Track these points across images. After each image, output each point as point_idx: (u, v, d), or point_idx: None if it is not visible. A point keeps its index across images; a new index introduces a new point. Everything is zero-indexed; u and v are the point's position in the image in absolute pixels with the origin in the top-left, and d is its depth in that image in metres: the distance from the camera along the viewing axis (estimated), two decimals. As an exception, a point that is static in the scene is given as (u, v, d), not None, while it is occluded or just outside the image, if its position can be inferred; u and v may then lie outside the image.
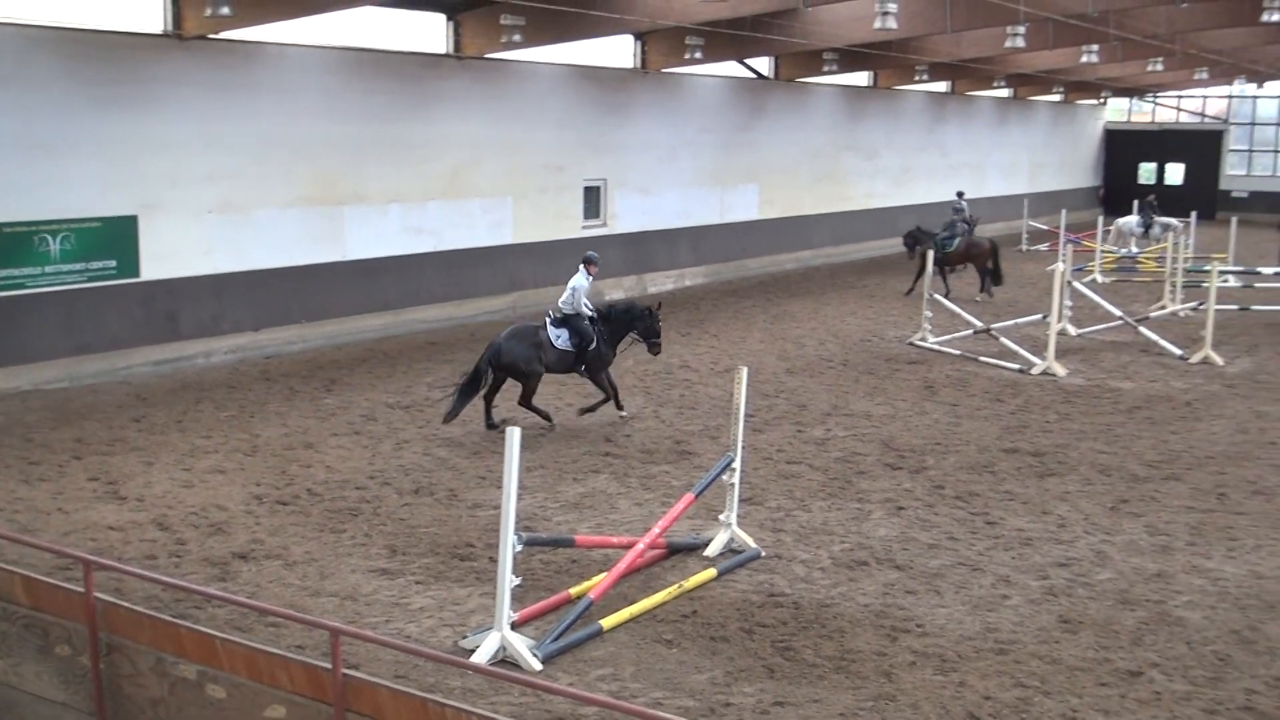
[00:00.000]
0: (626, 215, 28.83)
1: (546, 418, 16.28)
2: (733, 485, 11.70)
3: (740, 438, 11.74)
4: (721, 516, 11.79)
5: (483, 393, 15.98)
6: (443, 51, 24.22)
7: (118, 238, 19.05)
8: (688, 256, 31.00)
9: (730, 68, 32.05)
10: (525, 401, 16.15)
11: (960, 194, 37.68)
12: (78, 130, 18.36)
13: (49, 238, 18.21)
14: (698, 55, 27.70)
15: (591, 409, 16.61)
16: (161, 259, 19.66)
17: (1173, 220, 36.82)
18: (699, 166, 31.06)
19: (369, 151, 22.69)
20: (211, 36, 19.91)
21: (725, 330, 24.29)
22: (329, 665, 6.58)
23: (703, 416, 17.14)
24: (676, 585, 10.70)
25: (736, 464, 11.68)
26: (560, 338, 16.11)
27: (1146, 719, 8.60)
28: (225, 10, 18.16)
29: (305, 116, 21.56)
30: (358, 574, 11.11)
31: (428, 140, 23.76)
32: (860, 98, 37.85)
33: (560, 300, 16.48)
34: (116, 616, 7.39)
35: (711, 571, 11.08)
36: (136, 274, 19.39)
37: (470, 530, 12.30)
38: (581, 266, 16.56)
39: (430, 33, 24.18)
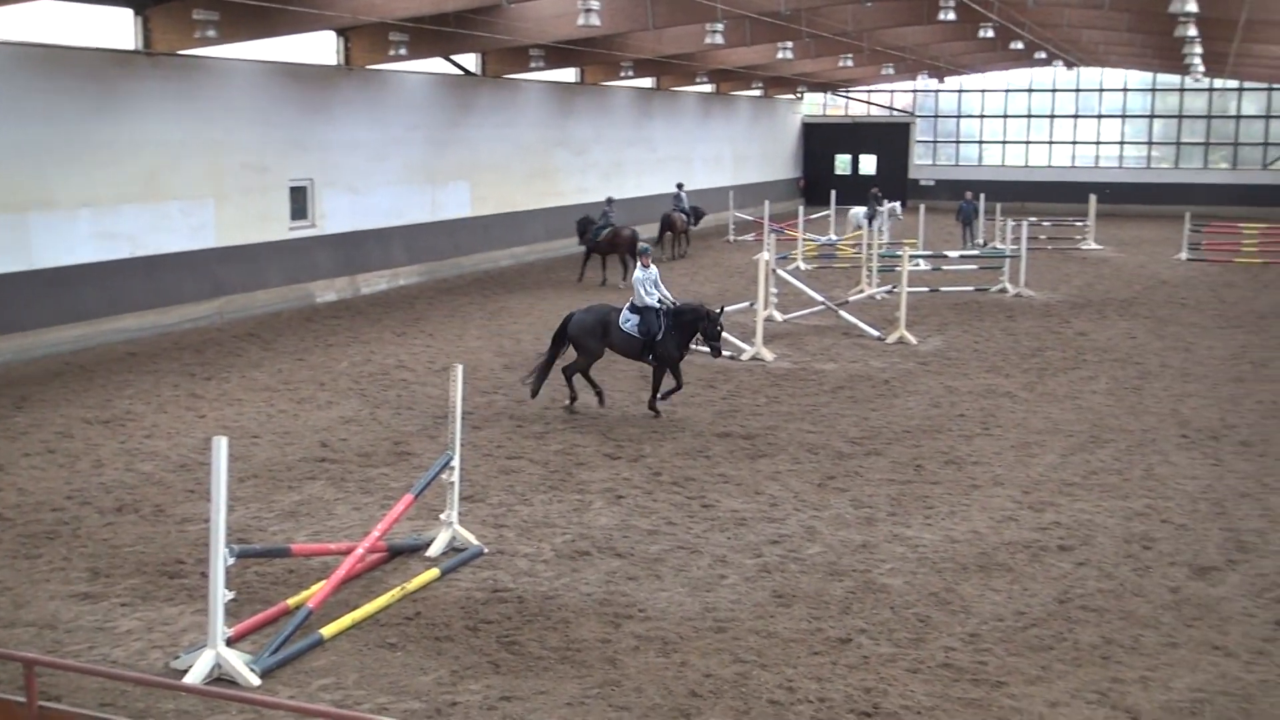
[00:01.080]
0: (336, 215, 28.24)
1: (594, 393, 17.31)
2: (453, 484, 11.64)
3: (459, 436, 11.69)
4: (442, 516, 11.72)
5: (560, 365, 17.25)
6: (131, 48, 23.11)
7: None
8: (401, 255, 30.62)
9: (437, 64, 31.83)
10: (569, 370, 17.16)
11: (680, 185, 38.80)
12: None
13: None
14: (402, 52, 27.38)
15: (664, 396, 17.15)
16: None
17: (896, 205, 38.88)
18: (409, 164, 30.73)
19: (55, 155, 21.42)
20: None
21: (442, 328, 24.12)
22: (23, 699, 6.21)
23: (420, 416, 16.98)
24: (399, 588, 10.57)
25: (456, 462, 11.62)
26: (629, 322, 16.94)
27: (856, 683, 9.03)
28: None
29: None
30: (57, 600, 10.49)
31: (119, 141, 22.62)
32: (569, 94, 38.24)
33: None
34: None
35: (434, 571, 11.00)
36: None
37: (179, 546, 11.80)
38: (637, 261, 17.92)
39: (117, 29, 23.04)
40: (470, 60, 33.22)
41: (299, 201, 27.31)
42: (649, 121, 43.56)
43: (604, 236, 30.23)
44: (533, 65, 32.90)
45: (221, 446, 8.79)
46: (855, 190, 55.26)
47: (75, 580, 10.94)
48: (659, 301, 17.18)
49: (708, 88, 47.47)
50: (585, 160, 39.21)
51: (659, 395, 17.13)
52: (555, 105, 37.47)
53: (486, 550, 11.66)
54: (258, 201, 26.01)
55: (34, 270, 21.19)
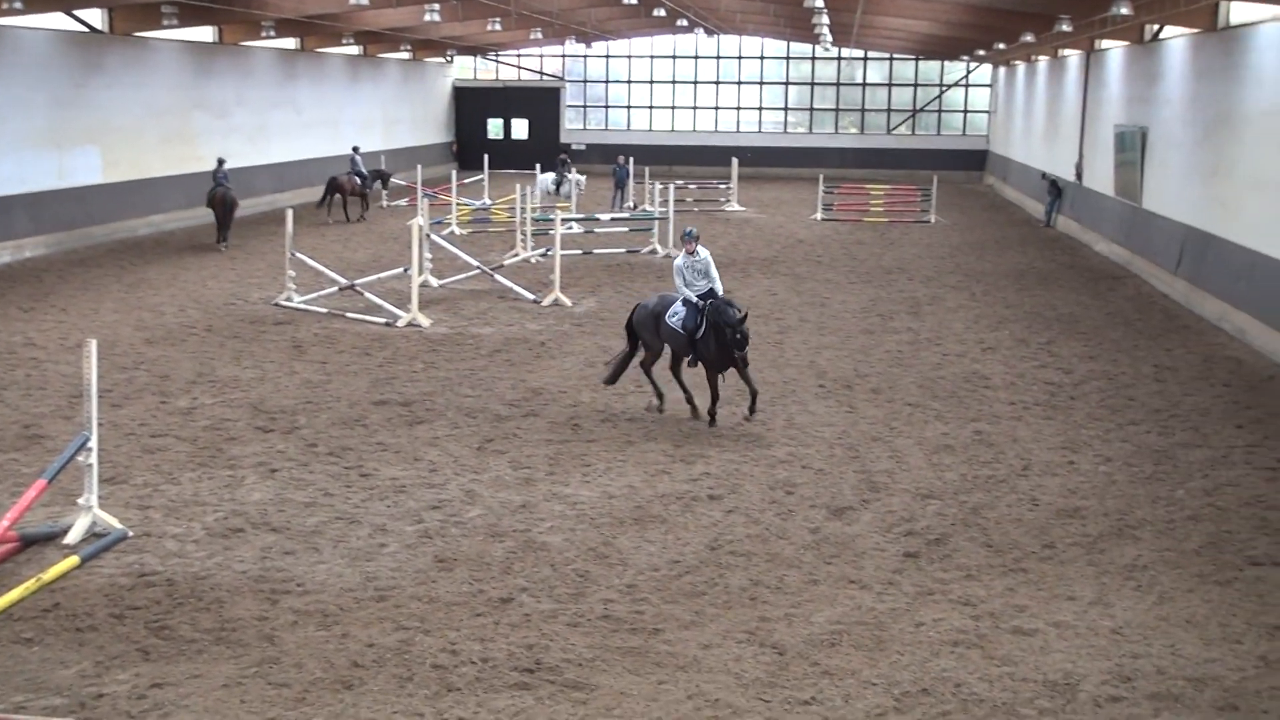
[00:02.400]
0: (-52, 183, 25.99)
1: (658, 395, 15.40)
2: (90, 466, 11.01)
3: (95, 415, 11.06)
4: (80, 500, 11.07)
5: (637, 358, 15.59)
6: None
7: None
8: (25, 225, 28.47)
9: (59, 20, 29.71)
10: (643, 366, 15.50)
11: (355, 149, 37.68)
12: None
13: None
14: (17, 5, 25.39)
15: (749, 413, 14.82)
16: None
17: (580, 177, 39.03)
18: (32, 128, 28.57)
19: None
20: None
21: (74, 303, 22.65)
22: None
23: (53, 397, 15.92)
24: (34, 579, 9.92)
25: (93, 443, 10.99)
26: (675, 316, 14.84)
27: (518, 641, 9.16)
28: None
29: None
30: None
31: None
32: (207, 54, 36.53)
33: None
34: None
35: (74, 559, 10.38)
36: None
37: None
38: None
39: None
40: (96, 16, 31.19)
41: (-96, 168, 24.98)
42: (294, 84, 42.20)
43: (214, 196, 29.95)
44: (165, 23, 31.17)
45: None
46: (509, 155, 55.65)
47: None
48: (709, 294, 14.94)
49: (355, 50, 46.43)
50: (227, 124, 37.59)
51: (700, 406, 15.28)
52: (192, 66, 35.72)
53: (131, 533, 11.10)
54: None
55: None
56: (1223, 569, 10.74)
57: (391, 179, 39.93)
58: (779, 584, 10.31)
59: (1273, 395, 16.93)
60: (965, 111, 58.40)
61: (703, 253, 15.04)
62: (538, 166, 41.23)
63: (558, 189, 37.68)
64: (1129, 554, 11.05)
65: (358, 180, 36.34)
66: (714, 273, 15.11)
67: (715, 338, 14.48)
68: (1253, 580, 10.49)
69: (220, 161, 30.90)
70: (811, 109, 59.26)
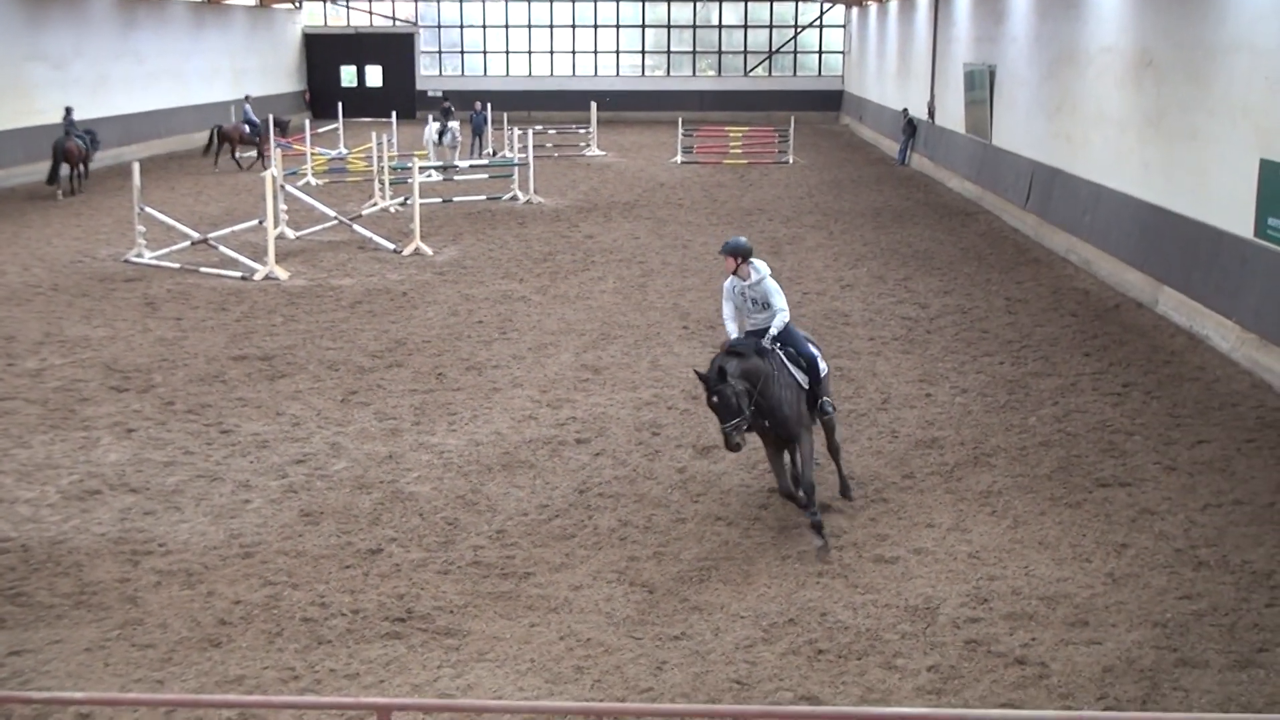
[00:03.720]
0: None
1: (815, 531, 10.04)
2: (-66, 432, 10.63)
3: (-63, 379, 10.66)
4: (-75, 468, 10.69)
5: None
6: None
7: None
8: None
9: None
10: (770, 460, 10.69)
11: (247, 97, 36.18)
12: None
13: None
14: None
15: (842, 493, 11.04)
16: None
17: (455, 124, 38.09)
18: None
19: None
20: None
21: (-90, 265, 21.69)
22: None
23: (-108, 362, 15.29)
24: (-121, 551, 9.57)
25: (-64, 408, 10.60)
26: (730, 365, 9.80)
27: (389, 590, 9.13)
28: None
29: None
30: None
31: None
32: (41, 4, 35.01)
33: None
34: None
35: (-80, 529, 10.04)
36: None
37: None
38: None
39: None
40: (-81, -37, 29.68)
41: None
42: (135, 34, 40.70)
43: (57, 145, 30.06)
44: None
45: None
46: (364, 103, 54.60)
47: None
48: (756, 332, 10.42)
49: (199, -3, 45.00)
50: (66, 75, 36.14)
51: (841, 490, 11.11)
52: (25, 16, 34.21)
53: (-19, 500, 10.76)
54: None
55: None
56: (1073, 491, 11.15)
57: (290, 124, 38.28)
58: (648, 523, 10.43)
59: (1117, 324, 17.56)
60: (820, 52, 58.98)
61: (759, 271, 10.27)
62: (393, 115, 40.52)
63: (440, 138, 36.85)
64: (984, 481, 11.41)
65: (246, 128, 35.22)
66: (778, 302, 10.25)
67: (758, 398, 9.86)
68: (1100, 501, 10.92)
69: (68, 110, 30.18)
70: (669, 52, 59.28)
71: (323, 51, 58.76)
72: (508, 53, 59.15)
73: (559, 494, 11.10)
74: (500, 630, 8.57)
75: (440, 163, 33.23)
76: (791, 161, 39.22)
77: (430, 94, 56.96)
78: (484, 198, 29.66)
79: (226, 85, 47.55)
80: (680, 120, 41.84)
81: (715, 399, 9.60)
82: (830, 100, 57.82)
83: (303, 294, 19.43)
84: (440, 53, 59.69)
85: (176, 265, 21.34)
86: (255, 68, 51.61)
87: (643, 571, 9.50)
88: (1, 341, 16.31)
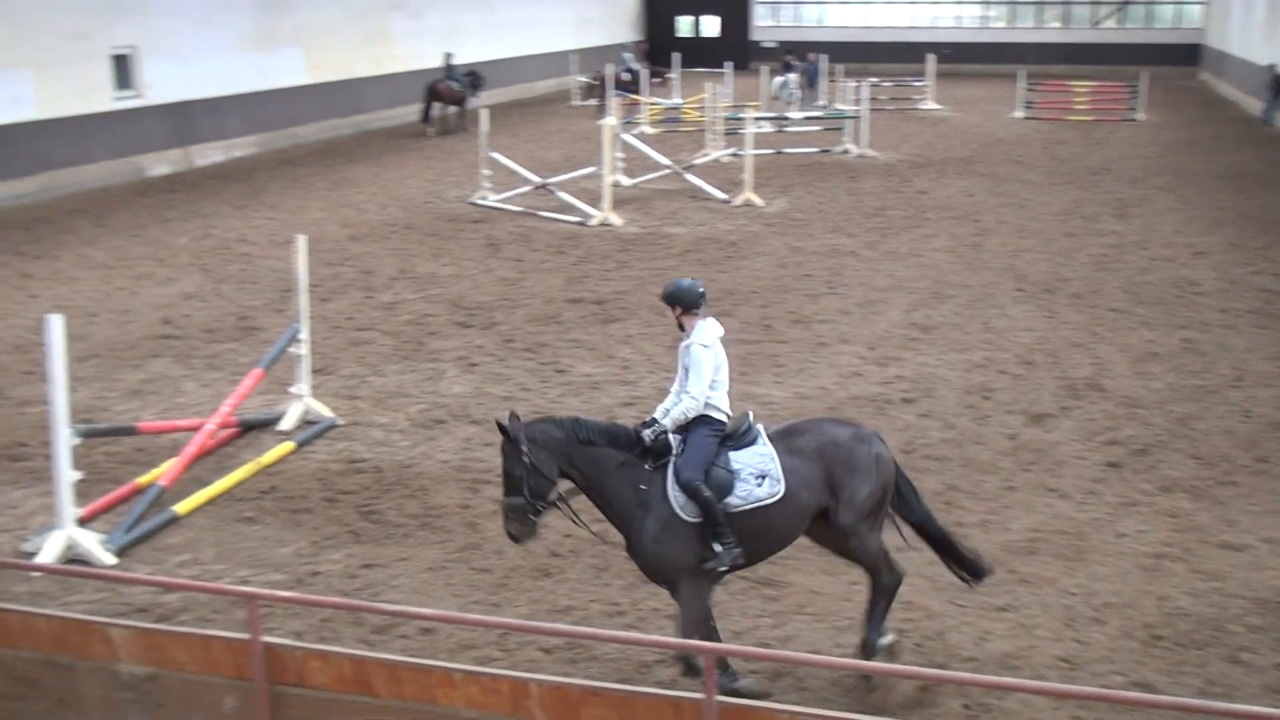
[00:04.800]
0: (164, 84, 27.03)
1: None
2: (301, 357, 11.48)
3: (305, 308, 11.50)
4: (293, 389, 11.57)
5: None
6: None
7: None
8: (236, 126, 29.53)
9: (264, -77, 30.45)
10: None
11: (449, 55, 36.05)
12: None
13: None
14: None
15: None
16: None
17: (794, 77, 38.18)
18: (239, 30, 29.48)
19: None
20: None
21: (283, 200, 23.48)
22: None
23: (265, 290, 16.61)
24: (253, 462, 10.46)
25: (304, 335, 11.45)
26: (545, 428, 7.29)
27: (712, 536, 9.26)
28: None
29: None
30: (-108, 489, 10.14)
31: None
32: (403, -45, 37.02)
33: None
34: None
35: (289, 444, 10.89)
36: None
37: (21, 429, 11.45)
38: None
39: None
40: (299, -81, 31.86)
41: (123, 70, 26.07)
42: (488, -16, 42.48)
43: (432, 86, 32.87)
44: (365, -76, 31.66)
45: (56, 325, 8.53)
46: (699, 53, 55.07)
47: (-90, 468, 10.57)
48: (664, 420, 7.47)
49: (548, -52, 46.43)
50: (422, 25, 38.13)
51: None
52: (390, -34, 36.25)
53: (341, 422, 11.58)
54: (78, 70, 24.74)
55: None
56: None
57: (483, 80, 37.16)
58: (975, 489, 10.19)
59: None
60: (1177, 1, 55.37)
61: (696, 332, 7.62)
62: (727, 65, 40.72)
63: (780, 91, 36.54)
64: (1349, 469, 10.56)
65: (454, 85, 35.48)
66: (693, 383, 7.42)
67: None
68: None
69: (448, 55, 33.37)
70: (1012, 2, 57.00)
71: (662, 2, 59.60)
72: (845, 2, 58.33)
73: (884, 453, 10.95)
74: (820, 585, 8.57)
75: (774, 114, 33.19)
76: (1142, 119, 37.09)
77: (764, 45, 56.89)
78: (816, 150, 29.48)
79: (569, 35, 48.98)
80: (1022, 73, 40.23)
81: (502, 457, 7.13)
82: (1186, 54, 54.22)
83: (635, 240, 19.88)
84: (776, 2, 59.48)
85: (518, 209, 22.24)
86: (597, 17, 52.91)
87: (969, 537, 9.25)
88: (361, 275, 17.45)
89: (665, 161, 24.52)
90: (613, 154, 22.21)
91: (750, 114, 24.59)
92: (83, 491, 9.14)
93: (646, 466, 7.19)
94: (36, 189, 23.50)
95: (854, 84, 31.85)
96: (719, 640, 7.03)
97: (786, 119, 30.80)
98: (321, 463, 10.66)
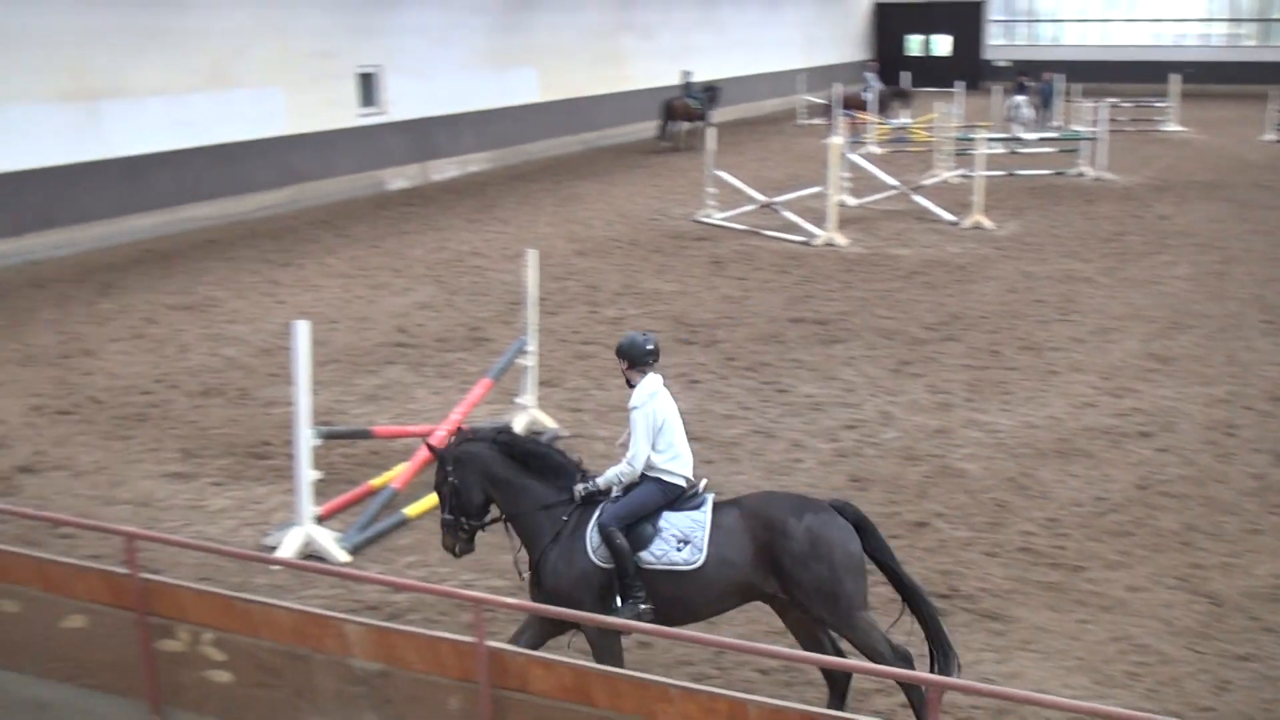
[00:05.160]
0: (404, 101, 28.13)
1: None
2: (529, 368, 11.74)
3: (534, 321, 11.76)
4: (520, 400, 11.83)
5: None
6: (200, -67, 23.00)
7: None
8: (470, 142, 30.52)
9: (503, -54, 31.40)
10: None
11: (688, 73, 36.18)
12: None
13: None
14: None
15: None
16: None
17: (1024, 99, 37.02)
18: (475, 49, 30.46)
19: (125, 42, 21.45)
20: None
21: (513, 215, 24.11)
22: (126, 571, 6.42)
23: (495, 302, 17.07)
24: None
25: (531, 347, 11.71)
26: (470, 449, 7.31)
27: (933, 565, 9.08)
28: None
29: (53, 5, 20.21)
30: (151, 480, 10.79)
31: (187, 28, 22.59)
32: (636, -24, 37.63)
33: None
34: (-108, 539, 7.02)
35: (514, 454, 11.12)
36: (-122, 180, 18.07)
37: (265, 428, 12.04)
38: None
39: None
40: (537, -59, 32.73)
41: (367, 87, 27.24)
42: (716, 4, 42.78)
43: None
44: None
45: (303, 331, 8.92)
46: (929, 72, 54.16)
47: (167, 461, 11.22)
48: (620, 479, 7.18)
49: (778, -32, 46.52)
50: (653, 45, 38.66)
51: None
52: (622, -12, 36.89)
53: (565, 434, 11.78)
54: (326, 88, 25.97)
55: (110, 159, 21.38)
56: None
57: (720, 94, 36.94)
58: (1216, 530, 9.70)
59: None
60: None
61: (635, 395, 7.37)
62: (958, 84, 39.93)
63: (1013, 113, 35.65)
64: None
65: (691, 103, 35.15)
66: (632, 445, 7.17)
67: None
68: None
69: (686, 74, 34.30)
70: (1266, 19, 54.21)
71: (891, 20, 58.93)
72: (1082, 21, 56.54)
73: (1117, 487, 10.55)
74: (1047, 621, 8.29)
75: (1006, 135, 32.35)
76: (1407, 143, 34.78)
77: (997, 64, 55.63)
78: (1049, 172, 28.64)
79: (797, 53, 48.93)
80: (1275, 94, 38.18)
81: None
82: None
83: (860, 261, 19.67)
84: (1010, 21, 58.09)
85: (742, 227, 22.29)
86: (825, 37, 52.71)
87: (1208, 581, 8.84)
88: (587, 290, 17.76)
89: (892, 181, 24.20)
90: (839, 173, 22.04)
91: (982, 134, 24.03)
92: (320, 490, 9.54)
93: (575, 500, 7.05)
94: (285, 200, 24.75)
95: (1091, 104, 30.82)
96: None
97: (1019, 140, 30.03)
98: (545, 473, 10.86)
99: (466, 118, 30.21)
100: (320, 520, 9.36)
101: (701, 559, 6.80)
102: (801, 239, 21.11)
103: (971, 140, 24.94)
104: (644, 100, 37.44)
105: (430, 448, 7.31)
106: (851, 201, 24.15)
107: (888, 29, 58.89)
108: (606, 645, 6.92)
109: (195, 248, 21.05)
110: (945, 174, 27.21)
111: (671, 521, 6.94)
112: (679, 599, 6.89)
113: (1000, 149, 29.39)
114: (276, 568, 8.86)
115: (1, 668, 6.94)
